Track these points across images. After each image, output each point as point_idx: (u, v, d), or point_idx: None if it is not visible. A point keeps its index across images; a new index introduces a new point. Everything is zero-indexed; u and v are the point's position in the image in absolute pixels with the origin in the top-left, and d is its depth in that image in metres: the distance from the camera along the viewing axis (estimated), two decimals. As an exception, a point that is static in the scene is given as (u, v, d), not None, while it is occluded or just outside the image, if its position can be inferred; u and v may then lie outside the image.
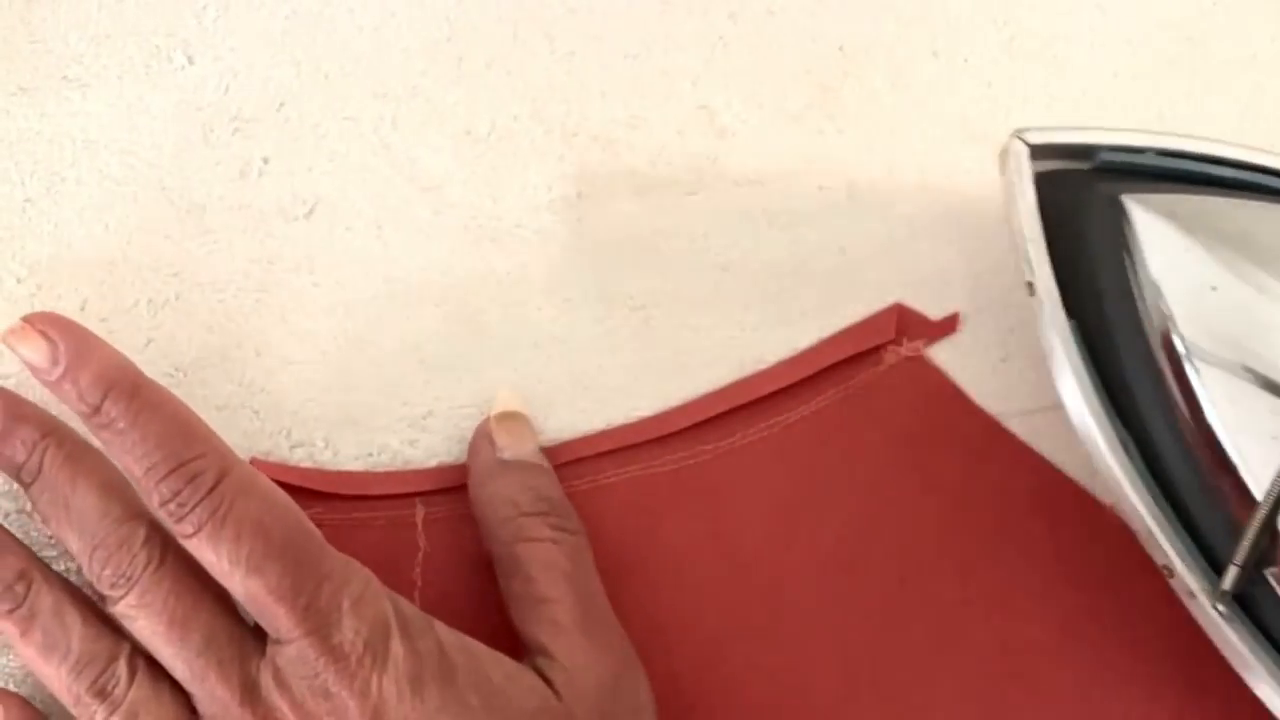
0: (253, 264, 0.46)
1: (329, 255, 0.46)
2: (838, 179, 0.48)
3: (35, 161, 0.47)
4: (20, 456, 0.39)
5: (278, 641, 0.37)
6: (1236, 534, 0.39)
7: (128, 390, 0.38)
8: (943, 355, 0.46)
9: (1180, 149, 0.45)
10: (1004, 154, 0.45)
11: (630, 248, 0.47)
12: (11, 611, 0.38)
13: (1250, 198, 0.44)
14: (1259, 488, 0.39)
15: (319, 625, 0.36)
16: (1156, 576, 0.41)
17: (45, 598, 0.38)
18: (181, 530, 0.37)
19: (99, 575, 0.37)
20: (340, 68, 0.48)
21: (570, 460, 0.44)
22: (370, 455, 0.44)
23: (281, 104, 0.48)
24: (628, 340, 0.46)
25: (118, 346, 0.44)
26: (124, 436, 0.37)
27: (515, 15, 0.49)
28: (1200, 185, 0.45)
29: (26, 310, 0.44)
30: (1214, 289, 0.41)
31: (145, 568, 0.37)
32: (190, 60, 0.48)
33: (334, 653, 0.36)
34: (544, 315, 0.46)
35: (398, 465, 0.44)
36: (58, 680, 0.37)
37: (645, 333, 0.46)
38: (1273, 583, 0.39)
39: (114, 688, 0.37)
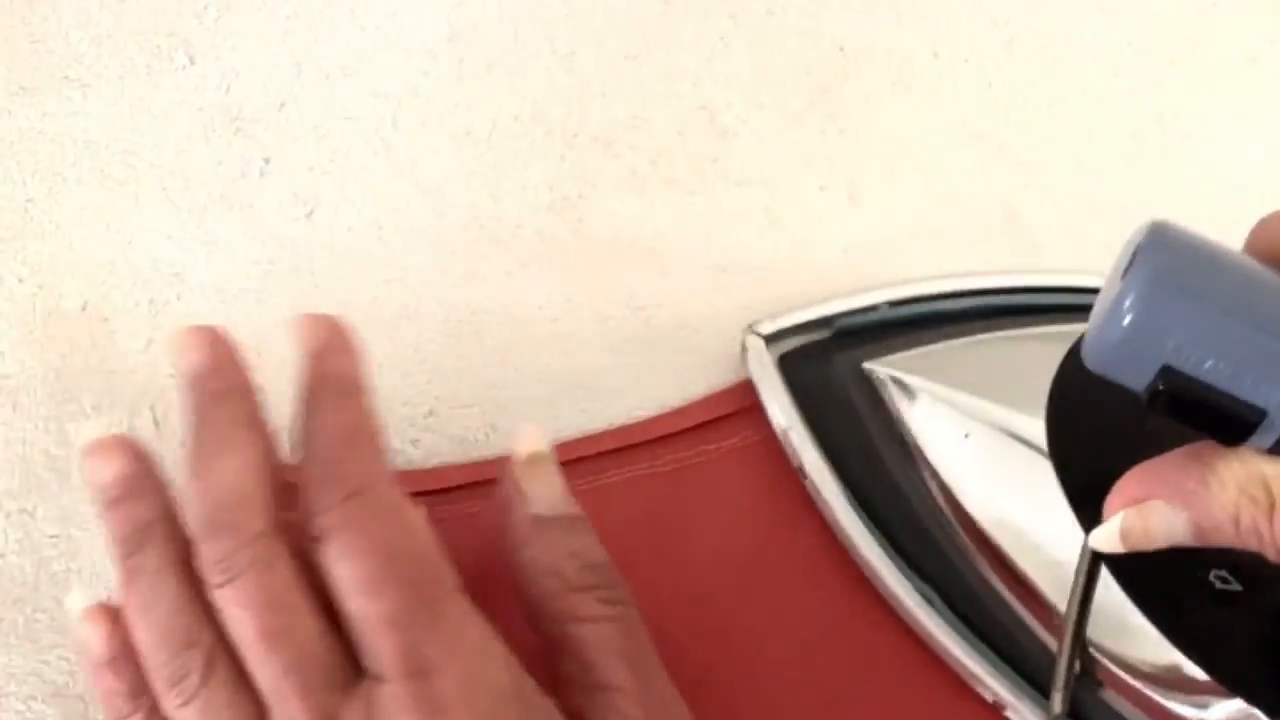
0: (253, 265, 0.46)
1: (329, 256, 0.46)
2: (838, 179, 0.48)
3: (37, 161, 0.47)
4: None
5: (377, 679, 0.34)
6: (1055, 656, 0.40)
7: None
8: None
9: (908, 295, 0.46)
10: (743, 351, 0.46)
11: (631, 248, 0.47)
12: (124, 558, 0.36)
13: (984, 329, 0.46)
14: (1063, 608, 0.40)
15: (423, 668, 0.34)
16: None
17: (152, 557, 0.36)
18: (310, 531, 0.35)
19: (205, 555, 0.35)
20: (341, 68, 0.49)
21: (571, 460, 0.44)
22: (371, 455, 0.44)
23: (282, 104, 0.48)
24: (628, 340, 0.46)
25: (118, 347, 0.44)
26: (301, 429, 0.37)
27: (516, 16, 0.49)
28: (937, 325, 0.46)
29: (27, 310, 0.44)
30: (967, 435, 0.42)
31: (252, 564, 0.35)
32: (191, 60, 0.48)
33: (433, 704, 0.33)
34: (544, 315, 0.46)
35: (399, 465, 0.44)
36: (144, 648, 0.35)
37: (645, 333, 0.46)
38: (1099, 693, 0.40)
39: (187, 678, 0.35)
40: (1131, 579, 0.35)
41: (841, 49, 0.50)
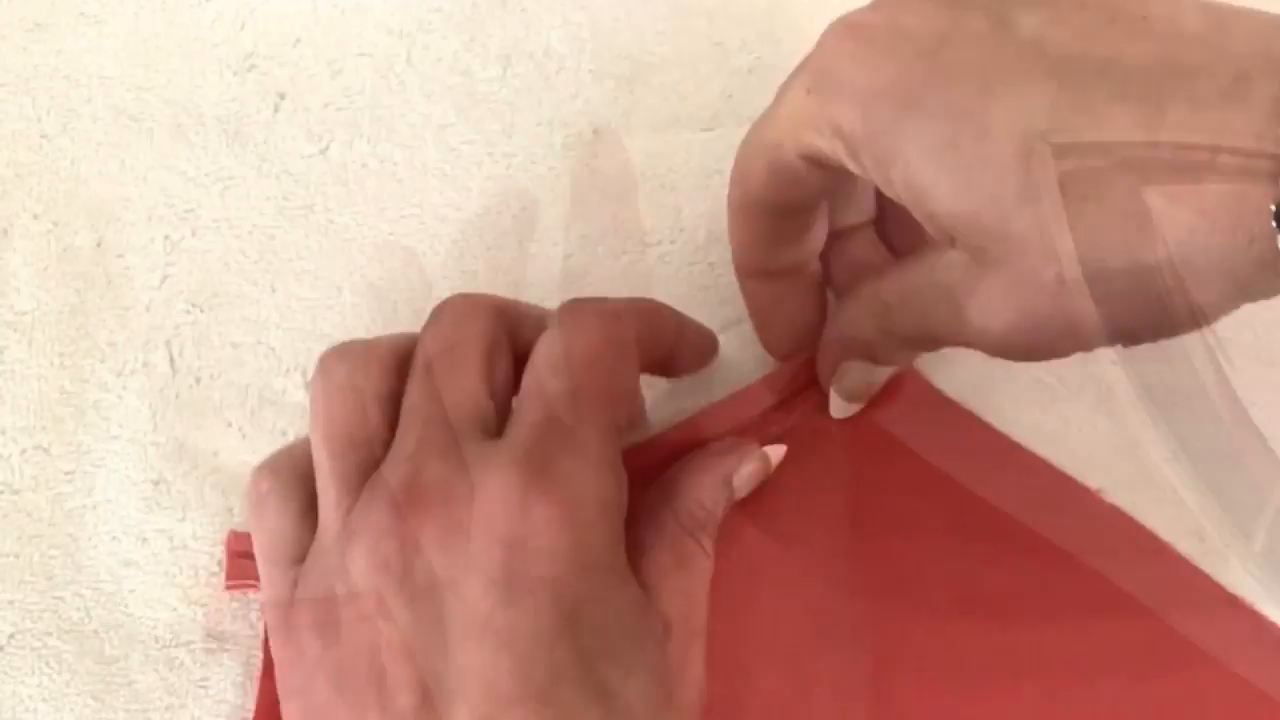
0: (268, 201, 0.46)
1: (343, 192, 0.46)
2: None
3: (51, 98, 0.47)
4: None
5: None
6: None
7: None
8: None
9: None
10: None
11: (645, 185, 0.46)
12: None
13: None
14: None
15: (548, 449, 0.35)
16: (1160, 574, 0.42)
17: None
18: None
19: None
20: (356, 4, 0.48)
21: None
22: (385, 392, 0.44)
23: (297, 40, 0.48)
24: (642, 276, 0.45)
25: (132, 284, 0.44)
26: None
27: (530, -51, 0.49)
28: None
29: (42, 247, 0.44)
30: None
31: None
32: (205, -4, 0.48)
33: (540, 476, 0.34)
34: (558, 251, 0.46)
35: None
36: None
37: (660, 268, 0.45)
38: None
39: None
40: None
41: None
